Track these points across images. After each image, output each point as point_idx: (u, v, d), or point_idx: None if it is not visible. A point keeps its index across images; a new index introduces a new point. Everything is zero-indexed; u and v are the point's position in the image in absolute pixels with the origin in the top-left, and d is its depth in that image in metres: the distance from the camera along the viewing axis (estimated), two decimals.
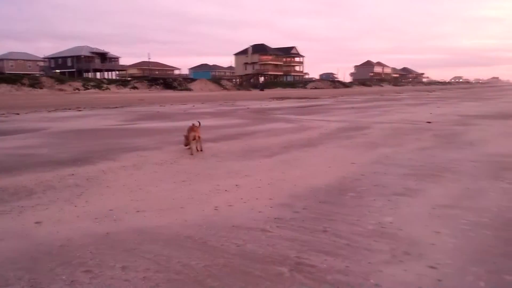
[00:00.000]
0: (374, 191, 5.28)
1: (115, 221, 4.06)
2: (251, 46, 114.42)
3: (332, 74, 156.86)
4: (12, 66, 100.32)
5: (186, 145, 7.95)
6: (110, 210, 4.39)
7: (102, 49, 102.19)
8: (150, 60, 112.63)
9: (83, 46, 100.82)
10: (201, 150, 7.96)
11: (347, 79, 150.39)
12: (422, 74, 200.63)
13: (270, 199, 4.90)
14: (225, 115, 17.38)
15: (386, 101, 31.95)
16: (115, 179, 5.70)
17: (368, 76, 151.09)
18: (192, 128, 7.84)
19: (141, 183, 5.56)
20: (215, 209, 4.48)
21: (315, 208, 4.55)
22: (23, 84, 53.75)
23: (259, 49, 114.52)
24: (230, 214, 4.32)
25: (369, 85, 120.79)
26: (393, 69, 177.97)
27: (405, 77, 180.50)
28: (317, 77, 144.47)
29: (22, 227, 3.85)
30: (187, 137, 7.88)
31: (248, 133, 10.78)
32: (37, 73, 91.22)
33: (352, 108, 22.49)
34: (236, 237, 3.67)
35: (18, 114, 18.09)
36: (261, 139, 9.75)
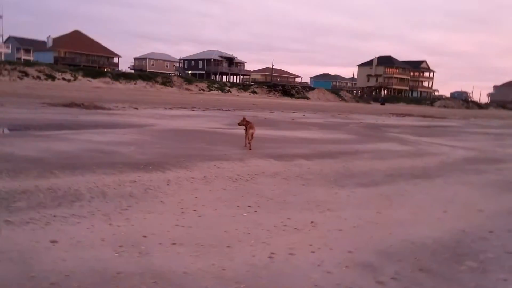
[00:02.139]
0: (508, 262, 3.63)
1: (139, 254, 3.21)
2: (376, 57, 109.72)
3: (465, 93, 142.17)
4: (152, 65, 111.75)
5: (239, 124, 8.91)
6: (144, 236, 3.58)
7: (230, 54, 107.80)
8: (273, 67, 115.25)
9: (214, 50, 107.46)
10: (250, 149, 8.47)
11: (484, 99, 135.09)
12: None
13: (349, 252, 3.61)
14: (332, 128, 16.03)
15: None
16: (174, 193, 4.95)
17: (510, 98, 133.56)
18: (251, 126, 8.57)
19: (200, 202, 4.71)
20: (270, 257, 3.37)
21: (410, 279, 3.15)
22: (157, 82, 58.84)
23: (385, 61, 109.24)
24: (286, 269, 3.17)
25: (511, 109, 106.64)
26: None
27: None
28: (448, 95, 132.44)
29: (33, 245, 3.22)
30: (245, 124, 8.71)
31: (350, 152, 9.36)
32: (172, 72, 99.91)
33: (487, 134, 19.20)
34: None
35: (137, 108, 19.14)
36: (364, 162, 8.29)
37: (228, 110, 24.34)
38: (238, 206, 4.67)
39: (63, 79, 48.24)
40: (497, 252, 3.88)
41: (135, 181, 5.30)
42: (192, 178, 5.74)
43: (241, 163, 7.02)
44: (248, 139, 8.61)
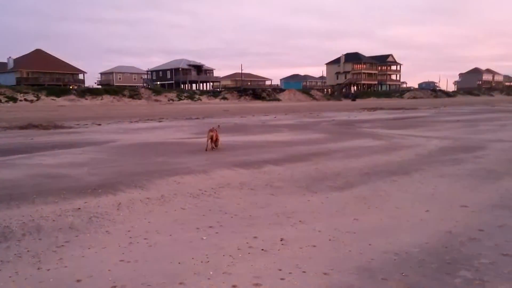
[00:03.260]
0: (506, 268, 3.17)
1: None
2: (344, 55, 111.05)
3: (433, 82, 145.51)
4: (119, 78, 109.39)
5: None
6: (78, 281, 2.95)
7: (199, 62, 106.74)
8: (243, 72, 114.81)
9: (181, 59, 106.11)
10: (215, 147, 9.31)
11: (451, 88, 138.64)
12: None
13: (325, 273, 3.09)
14: (304, 128, 15.60)
15: (501, 112, 27.45)
16: (123, 220, 4.31)
17: (475, 84, 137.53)
18: (211, 130, 9.27)
19: (153, 227, 4.09)
20: None
21: None
22: (124, 95, 57.34)
23: (352, 58, 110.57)
24: None
25: (477, 95, 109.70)
26: (506, 77, 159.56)
27: None
28: (416, 86, 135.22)
29: None
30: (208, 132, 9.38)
31: (323, 153, 8.90)
32: (140, 85, 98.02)
33: (458, 121, 19.21)
34: None
35: (100, 124, 18.23)
36: (337, 162, 7.83)
37: (198, 118, 23.63)
38: (197, 228, 4.08)
39: (25, 100, 46.32)
40: (492, 256, 3.42)
41: (79, 208, 4.63)
42: (148, 198, 5.10)
43: (205, 176, 6.42)
44: (208, 142, 9.24)
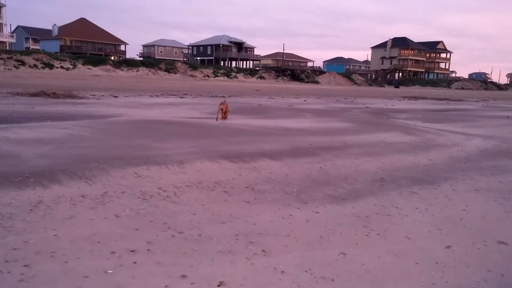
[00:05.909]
0: None
1: None
2: (391, 39, 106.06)
3: (484, 74, 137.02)
4: (161, 52, 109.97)
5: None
6: None
7: (240, 39, 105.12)
8: (285, 52, 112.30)
9: (223, 35, 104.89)
10: (225, 118, 10.45)
11: (503, 81, 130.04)
12: None
13: None
14: (330, 115, 14.11)
15: None
16: (24, 229, 3.22)
17: None
18: (221, 103, 10.61)
19: (52, 246, 2.97)
20: None
21: None
22: (160, 69, 57.08)
23: (400, 43, 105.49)
24: None
25: None
26: None
27: None
28: (466, 76, 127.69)
29: None
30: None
31: (337, 147, 7.52)
32: (180, 59, 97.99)
33: (508, 117, 17.02)
34: None
35: (116, 96, 17.48)
36: (350, 160, 6.45)
37: (223, 96, 22.50)
38: (112, 252, 2.93)
39: (62, 67, 46.87)
40: None
41: None
42: (82, 196, 4.00)
43: (177, 168, 5.25)
44: (219, 113, 10.41)
